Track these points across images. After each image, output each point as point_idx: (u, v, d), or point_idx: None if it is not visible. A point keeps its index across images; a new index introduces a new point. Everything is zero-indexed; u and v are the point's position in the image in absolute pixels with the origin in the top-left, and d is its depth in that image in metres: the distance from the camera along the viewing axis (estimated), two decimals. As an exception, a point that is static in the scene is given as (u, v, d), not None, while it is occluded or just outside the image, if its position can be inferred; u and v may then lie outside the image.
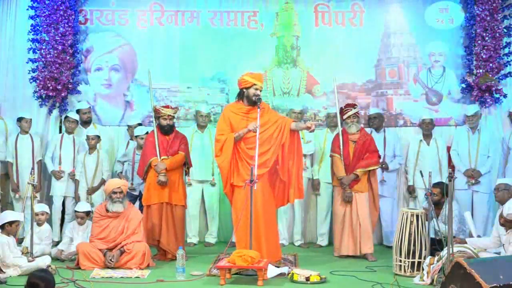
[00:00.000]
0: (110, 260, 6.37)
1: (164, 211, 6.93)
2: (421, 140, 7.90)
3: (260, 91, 6.58)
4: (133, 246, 6.45)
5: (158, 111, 7.05)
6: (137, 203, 7.77)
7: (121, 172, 7.82)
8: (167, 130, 7.03)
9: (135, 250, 6.43)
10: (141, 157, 7.21)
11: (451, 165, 7.74)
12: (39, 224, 6.95)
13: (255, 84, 6.53)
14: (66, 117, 7.94)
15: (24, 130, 7.79)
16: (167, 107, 7.14)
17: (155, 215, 6.91)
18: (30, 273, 4.36)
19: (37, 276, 4.16)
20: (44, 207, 7.13)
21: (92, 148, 7.75)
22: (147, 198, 6.99)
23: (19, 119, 7.79)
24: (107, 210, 6.63)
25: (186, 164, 7.13)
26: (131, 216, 6.63)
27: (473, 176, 7.67)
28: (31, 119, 7.85)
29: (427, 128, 7.89)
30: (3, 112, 8.12)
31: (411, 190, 7.94)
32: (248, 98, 6.54)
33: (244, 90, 6.58)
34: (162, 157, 6.94)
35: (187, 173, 7.28)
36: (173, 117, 7.10)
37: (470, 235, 6.42)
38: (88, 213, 7.14)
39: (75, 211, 7.20)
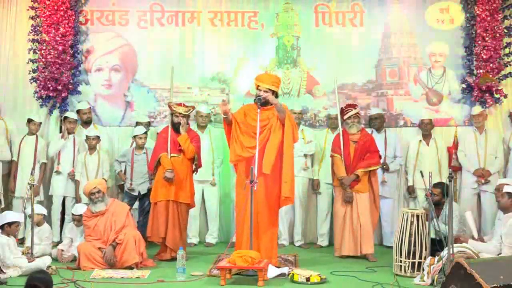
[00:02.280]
0: (106, 259, 6.39)
1: (171, 209, 6.92)
2: (420, 141, 7.90)
3: (266, 91, 6.41)
4: (124, 236, 6.46)
5: (170, 108, 7.06)
6: (137, 203, 7.78)
7: (121, 171, 7.80)
8: (178, 127, 7.04)
9: (126, 238, 6.43)
10: (152, 151, 7.21)
11: (451, 165, 7.75)
12: (37, 225, 6.93)
13: (258, 85, 6.53)
14: (66, 117, 7.93)
15: (31, 132, 7.81)
16: (180, 105, 7.14)
17: (161, 213, 6.90)
18: (29, 274, 4.34)
19: (36, 278, 4.14)
20: (40, 209, 7.04)
21: (92, 149, 7.75)
22: (154, 195, 7.00)
23: (29, 121, 7.81)
24: (91, 212, 6.68)
25: (195, 161, 7.11)
26: (117, 211, 6.66)
27: (483, 175, 7.67)
28: (40, 123, 7.86)
29: (426, 128, 7.89)
30: (3, 112, 8.11)
31: (410, 191, 7.94)
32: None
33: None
34: (172, 155, 6.95)
35: (196, 171, 7.25)
36: (185, 115, 7.08)
37: (472, 236, 6.43)
38: None
39: (72, 213, 7.18)
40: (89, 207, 6.71)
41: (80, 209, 7.11)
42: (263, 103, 6.41)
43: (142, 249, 6.49)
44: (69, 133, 7.88)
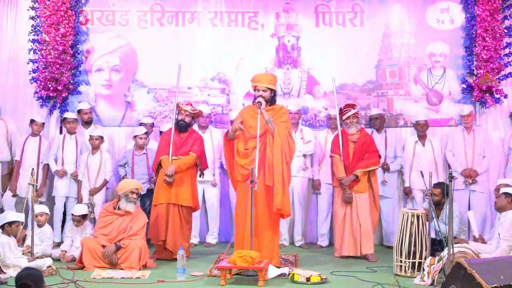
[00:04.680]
0: (105, 254, 6.37)
1: (171, 212, 6.92)
2: (416, 141, 7.90)
3: (264, 90, 6.46)
4: (130, 243, 6.45)
5: (178, 106, 7.06)
6: (138, 202, 7.78)
7: (126, 175, 7.78)
8: (181, 126, 7.03)
9: (131, 247, 6.42)
10: (155, 153, 7.24)
11: (449, 166, 7.75)
12: (39, 226, 6.95)
13: (256, 86, 6.53)
14: (65, 118, 7.91)
15: (34, 133, 7.80)
16: (189, 104, 7.15)
17: (161, 215, 6.90)
18: (17, 274, 4.31)
19: (25, 275, 4.12)
20: (44, 208, 7.13)
21: (95, 149, 7.74)
22: (156, 197, 7.01)
23: (31, 121, 7.80)
24: (114, 208, 6.66)
25: (198, 165, 7.09)
26: (137, 218, 6.64)
27: (471, 175, 7.67)
28: (43, 123, 7.86)
29: (422, 129, 7.87)
30: (3, 112, 8.11)
31: (407, 191, 7.93)
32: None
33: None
34: (173, 158, 6.94)
35: (201, 175, 7.21)
36: (191, 115, 7.07)
37: (473, 236, 6.42)
38: (84, 216, 7.13)
39: (72, 214, 7.17)
40: (119, 203, 6.65)
41: (79, 209, 7.12)
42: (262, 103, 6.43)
43: (145, 260, 6.46)
44: (70, 133, 7.88)
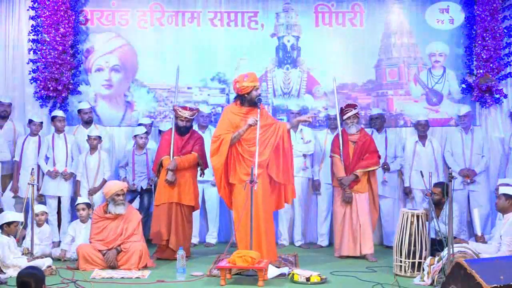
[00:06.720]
0: (107, 260, 6.37)
1: (174, 211, 6.92)
2: (416, 141, 7.90)
3: (259, 89, 6.61)
4: (130, 246, 6.44)
5: (176, 111, 7.05)
6: (137, 200, 7.79)
7: (126, 177, 7.78)
8: (182, 131, 7.04)
9: (132, 250, 6.41)
10: (156, 154, 7.25)
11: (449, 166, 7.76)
12: (39, 225, 6.96)
13: (255, 86, 6.53)
14: (55, 117, 7.86)
15: (33, 133, 7.79)
16: (185, 108, 7.09)
17: (164, 215, 6.90)
18: (19, 271, 4.31)
19: (25, 274, 4.12)
20: (44, 208, 7.16)
21: (93, 149, 7.73)
22: (158, 197, 7.02)
23: (29, 121, 7.80)
24: (105, 212, 6.61)
25: (200, 165, 7.09)
26: (130, 218, 6.61)
27: (468, 175, 7.67)
28: (41, 123, 7.84)
29: (423, 129, 7.88)
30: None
31: (407, 191, 7.93)
32: (251, 100, 6.52)
33: (246, 95, 6.53)
34: (174, 158, 6.94)
35: (202, 174, 7.22)
36: (190, 119, 7.07)
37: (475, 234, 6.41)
38: (88, 205, 7.15)
39: (76, 204, 7.19)
40: (108, 207, 6.59)
41: (82, 199, 7.25)
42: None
43: (145, 262, 6.45)
44: (59, 132, 7.84)
